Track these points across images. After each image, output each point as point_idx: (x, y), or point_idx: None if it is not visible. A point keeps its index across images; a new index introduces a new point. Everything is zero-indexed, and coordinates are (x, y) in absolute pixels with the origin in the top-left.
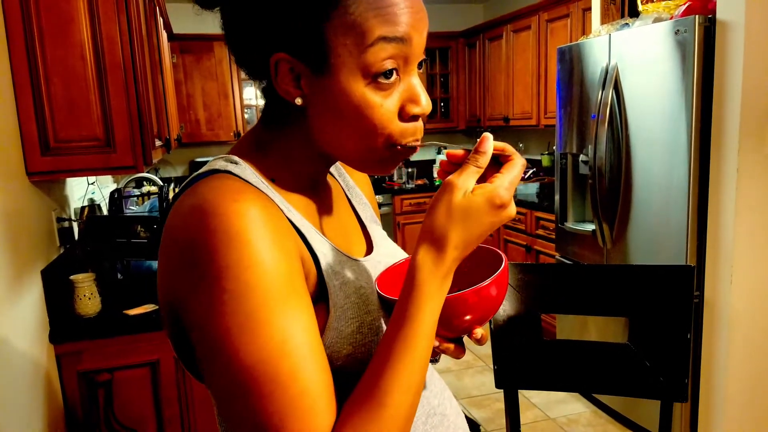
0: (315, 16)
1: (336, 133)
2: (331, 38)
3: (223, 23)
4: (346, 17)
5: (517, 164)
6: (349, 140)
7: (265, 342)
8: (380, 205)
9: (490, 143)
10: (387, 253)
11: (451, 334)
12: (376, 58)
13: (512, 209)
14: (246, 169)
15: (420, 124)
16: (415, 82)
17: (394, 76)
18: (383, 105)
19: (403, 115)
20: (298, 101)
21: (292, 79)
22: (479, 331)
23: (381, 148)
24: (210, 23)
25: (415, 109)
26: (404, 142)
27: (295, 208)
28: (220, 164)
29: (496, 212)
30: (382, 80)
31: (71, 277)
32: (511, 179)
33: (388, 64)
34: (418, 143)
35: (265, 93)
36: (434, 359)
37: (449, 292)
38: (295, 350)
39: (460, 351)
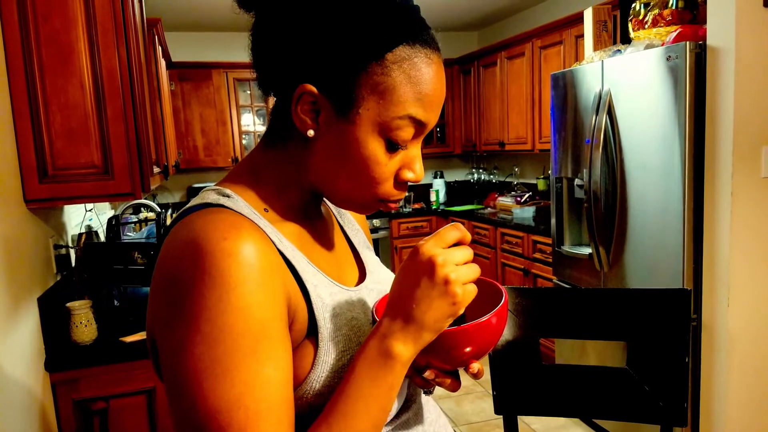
0: (357, 62)
1: (334, 172)
2: (365, 89)
3: (253, 35)
4: (384, 78)
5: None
6: (343, 182)
7: (224, 391)
8: (377, 229)
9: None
10: (380, 279)
11: (449, 367)
12: (398, 128)
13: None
14: (238, 201)
15: (405, 190)
16: (415, 152)
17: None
18: (387, 164)
19: (398, 178)
20: (310, 133)
21: (311, 111)
22: (476, 366)
23: (366, 198)
24: (208, 51)
25: (408, 175)
26: (388, 199)
27: (288, 237)
28: (213, 198)
29: (423, 269)
30: (394, 145)
31: (68, 304)
32: (441, 241)
33: (406, 137)
34: (397, 204)
35: (274, 113)
36: (428, 391)
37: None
38: (252, 404)
39: (456, 384)
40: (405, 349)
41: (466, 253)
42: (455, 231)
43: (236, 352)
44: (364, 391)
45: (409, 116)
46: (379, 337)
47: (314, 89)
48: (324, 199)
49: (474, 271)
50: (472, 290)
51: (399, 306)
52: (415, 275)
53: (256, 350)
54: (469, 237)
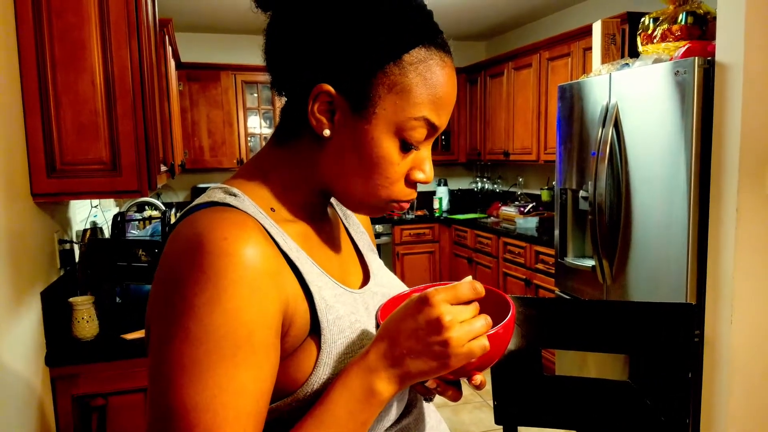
0: (375, 62)
1: (347, 171)
2: (381, 88)
3: (269, 35)
4: (401, 78)
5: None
6: (355, 182)
7: (196, 392)
8: (379, 235)
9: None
10: (384, 283)
11: (452, 377)
12: (413, 128)
13: (452, 338)
14: (245, 201)
15: (415, 191)
16: (426, 153)
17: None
18: (399, 164)
19: (408, 179)
20: (326, 133)
21: (327, 111)
22: (479, 377)
23: (376, 199)
24: (217, 53)
25: (419, 176)
26: (399, 200)
27: (293, 237)
28: (219, 196)
29: (429, 332)
30: (407, 145)
31: (70, 299)
32: (460, 311)
33: (419, 137)
34: (405, 207)
35: (284, 113)
36: (429, 398)
37: None
38: (221, 410)
39: (457, 394)
40: (387, 388)
41: (474, 311)
42: (471, 291)
43: (216, 354)
44: (339, 420)
45: (423, 118)
46: (365, 370)
47: (331, 89)
48: (330, 200)
49: (480, 327)
50: (467, 352)
51: (391, 346)
52: (417, 325)
53: (236, 354)
54: (482, 295)
